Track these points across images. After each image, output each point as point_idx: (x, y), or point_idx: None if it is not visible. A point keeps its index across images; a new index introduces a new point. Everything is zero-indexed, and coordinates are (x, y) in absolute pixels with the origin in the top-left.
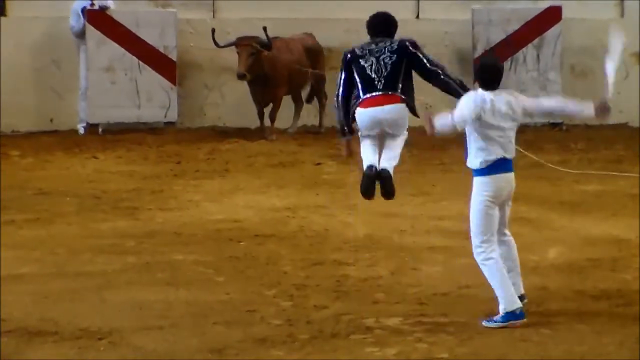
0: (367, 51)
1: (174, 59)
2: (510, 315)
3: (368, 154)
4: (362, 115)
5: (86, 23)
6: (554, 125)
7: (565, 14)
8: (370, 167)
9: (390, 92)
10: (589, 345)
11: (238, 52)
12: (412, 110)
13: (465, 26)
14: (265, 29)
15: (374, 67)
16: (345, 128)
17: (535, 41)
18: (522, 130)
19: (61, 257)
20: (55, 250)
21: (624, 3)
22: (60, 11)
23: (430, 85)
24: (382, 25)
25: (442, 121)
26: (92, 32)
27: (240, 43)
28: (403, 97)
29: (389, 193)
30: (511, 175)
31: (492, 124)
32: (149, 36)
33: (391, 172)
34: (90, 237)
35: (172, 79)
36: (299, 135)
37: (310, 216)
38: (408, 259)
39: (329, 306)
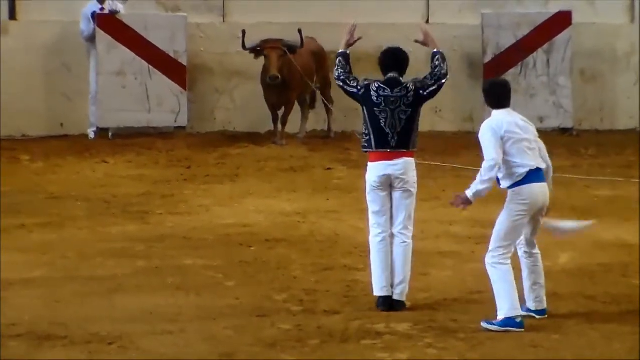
0: (383, 99)
1: (184, 63)
2: (510, 322)
3: (377, 266)
4: (372, 168)
5: (96, 27)
6: (564, 130)
7: (575, 18)
8: (381, 301)
9: (402, 150)
10: (600, 351)
11: (266, 55)
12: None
13: (475, 31)
14: (300, 31)
15: (388, 121)
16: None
17: (545, 46)
18: None
19: (71, 261)
20: (65, 255)
21: (635, 8)
22: (70, 15)
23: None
24: (394, 62)
25: (476, 190)
26: (102, 37)
27: (268, 46)
28: (414, 150)
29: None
30: (545, 185)
31: (519, 137)
32: (159, 40)
33: (404, 297)
34: (101, 241)
35: (182, 83)
36: (309, 140)
37: (320, 221)
38: (418, 264)
39: (339, 311)
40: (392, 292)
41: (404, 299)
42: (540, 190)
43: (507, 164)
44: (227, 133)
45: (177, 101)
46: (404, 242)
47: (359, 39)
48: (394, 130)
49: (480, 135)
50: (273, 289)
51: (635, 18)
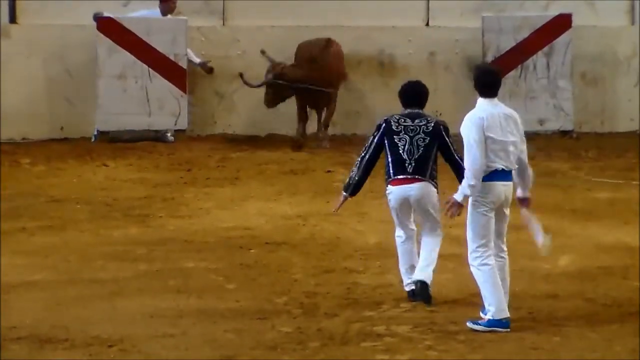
0: (403, 128)
1: (185, 66)
2: (496, 322)
3: (402, 263)
4: (392, 192)
5: (97, 31)
6: (564, 133)
7: (575, 21)
8: (415, 285)
9: (418, 177)
10: (601, 353)
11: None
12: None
13: (476, 34)
14: (263, 52)
15: (406, 147)
16: (352, 186)
17: (546, 49)
18: (532, 138)
19: (73, 264)
20: (67, 258)
21: (635, 11)
22: (71, 19)
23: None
24: (415, 96)
25: (465, 194)
26: (103, 40)
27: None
28: (431, 182)
29: (424, 299)
30: (510, 185)
31: (495, 138)
32: (160, 44)
33: (429, 280)
34: (102, 244)
35: (182, 86)
36: (310, 143)
37: (321, 224)
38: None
39: (339, 314)
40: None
41: (429, 281)
42: (503, 188)
43: None
44: (228, 136)
45: (178, 104)
46: (435, 239)
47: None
48: (412, 157)
49: (463, 129)
50: (274, 291)
51: (635, 20)
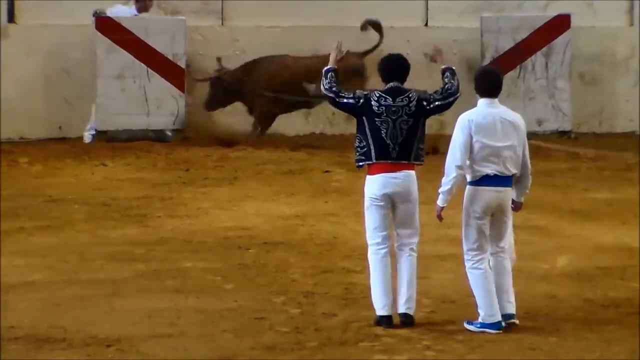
0: (384, 109)
1: (183, 66)
2: (487, 325)
3: (378, 284)
4: (372, 182)
5: (95, 30)
6: (563, 133)
7: (574, 22)
8: (384, 320)
9: (403, 162)
10: (599, 354)
11: None
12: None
13: (474, 34)
14: (219, 59)
15: (389, 132)
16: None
17: (544, 49)
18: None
19: (71, 264)
20: (65, 258)
21: (634, 11)
22: (70, 19)
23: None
24: (395, 70)
25: (443, 198)
26: (101, 40)
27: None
28: (415, 163)
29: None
30: (505, 191)
31: (482, 142)
32: (159, 44)
33: (413, 311)
34: (100, 245)
35: (181, 86)
36: (308, 143)
37: (319, 224)
38: (417, 267)
39: (337, 314)
40: (397, 307)
41: (413, 313)
42: (493, 194)
43: (469, 162)
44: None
45: (176, 104)
46: (411, 255)
47: (347, 52)
48: (395, 141)
49: (456, 127)
50: (272, 291)
51: (634, 21)
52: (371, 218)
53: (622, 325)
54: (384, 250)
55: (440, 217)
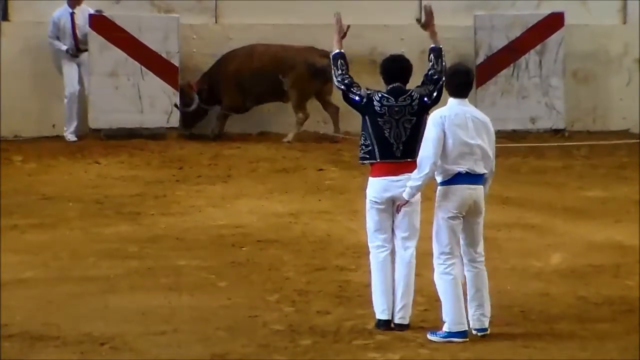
0: (387, 109)
1: (177, 64)
2: (454, 334)
3: (378, 287)
4: (374, 184)
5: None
6: (556, 131)
7: (567, 20)
8: (382, 323)
9: (408, 159)
10: (592, 352)
11: None
12: None
13: (468, 32)
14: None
15: (393, 131)
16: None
17: (538, 47)
18: (524, 136)
19: (64, 261)
20: (58, 255)
21: (627, 9)
22: None
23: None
24: (398, 72)
25: (411, 192)
26: (94, 38)
27: None
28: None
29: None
30: (477, 189)
31: (455, 138)
32: (152, 41)
33: (407, 321)
34: (94, 242)
35: (174, 84)
36: (301, 141)
37: (313, 222)
38: None
39: (331, 312)
40: (392, 315)
41: (407, 322)
42: (467, 191)
43: (441, 161)
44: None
45: (170, 102)
46: (410, 261)
47: (348, 27)
48: (399, 140)
49: (427, 123)
50: (265, 289)
51: (627, 19)
52: (372, 220)
53: (615, 322)
54: (384, 253)
55: (399, 209)
